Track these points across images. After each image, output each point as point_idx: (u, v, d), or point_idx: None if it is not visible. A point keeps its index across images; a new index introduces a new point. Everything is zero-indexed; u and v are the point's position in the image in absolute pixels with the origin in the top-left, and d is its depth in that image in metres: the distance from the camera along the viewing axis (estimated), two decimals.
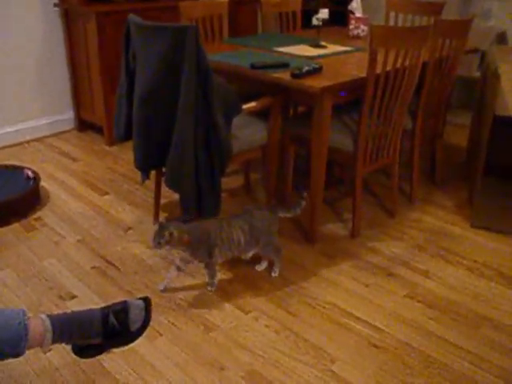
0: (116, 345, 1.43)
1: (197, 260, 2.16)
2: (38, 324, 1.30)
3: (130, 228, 2.68)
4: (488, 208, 2.80)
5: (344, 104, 2.72)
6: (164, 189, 2.68)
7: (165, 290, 2.22)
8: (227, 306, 2.14)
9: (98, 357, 1.67)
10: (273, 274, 2.32)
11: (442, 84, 2.85)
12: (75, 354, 1.44)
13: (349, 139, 2.48)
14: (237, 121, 2.37)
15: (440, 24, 2.55)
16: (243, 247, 2.19)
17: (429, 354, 1.91)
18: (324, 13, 2.97)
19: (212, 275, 2.21)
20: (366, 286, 2.27)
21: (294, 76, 2.28)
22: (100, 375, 1.81)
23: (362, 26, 3.26)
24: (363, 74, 2.33)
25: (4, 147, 3.70)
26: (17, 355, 1.26)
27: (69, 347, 1.52)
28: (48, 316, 1.34)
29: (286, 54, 2.74)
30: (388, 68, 2.29)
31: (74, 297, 2.17)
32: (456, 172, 3.39)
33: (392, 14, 3.53)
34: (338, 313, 2.11)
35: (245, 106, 2.32)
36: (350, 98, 2.46)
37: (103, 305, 1.66)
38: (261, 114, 2.64)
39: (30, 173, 3.02)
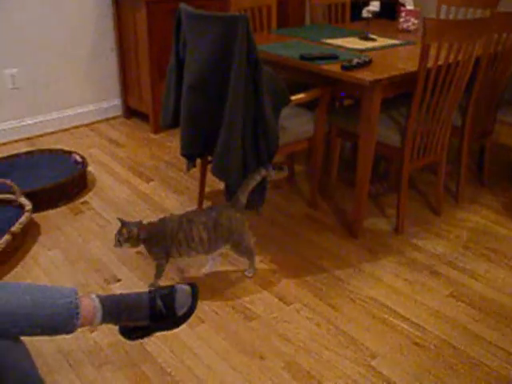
0: (162, 328, 1.45)
1: (152, 258, 2.12)
2: (89, 303, 1.33)
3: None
4: None
5: (392, 98, 2.68)
6: (209, 177, 2.71)
7: (208, 275, 2.25)
8: (269, 296, 2.15)
9: (142, 340, 1.71)
10: (246, 274, 2.27)
11: (495, 80, 2.78)
12: (122, 334, 1.47)
13: (396, 134, 2.44)
14: (284, 112, 2.37)
15: (497, 17, 2.48)
16: (207, 245, 2.09)
17: (472, 355, 1.88)
18: (375, 5, 2.93)
19: (157, 275, 2.13)
20: (409, 283, 2.25)
21: (344, 68, 2.26)
22: (142, 358, 1.84)
23: (413, 20, 3.20)
24: (414, 68, 2.29)
25: (53, 132, 3.80)
26: (68, 332, 1.30)
27: (115, 328, 1.56)
28: (98, 296, 1.37)
29: (334, 46, 2.72)
30: (440, 62, 2.25)
31: (118, 280, 2.21)
32: (504, 172, 3.30)
33: (444, 7, 3.45)
34: (380, 308, 2.09)
35: (293, 98, 2.31)
36: (399, 93, 2.42)
37: (146, 289, 1.70)
38: (307, 106, 2.63)
39: (78, 157, 3.09)
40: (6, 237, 2.32)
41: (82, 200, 2.88)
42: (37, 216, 2.69)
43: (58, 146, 3.45)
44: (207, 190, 2.86)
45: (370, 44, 2.76)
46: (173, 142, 3.65)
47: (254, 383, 1.75)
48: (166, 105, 2.45)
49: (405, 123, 2.41)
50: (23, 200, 2.62)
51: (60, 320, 1.27)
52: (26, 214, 2.50)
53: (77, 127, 3.90)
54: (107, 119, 4.05)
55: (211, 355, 1.86)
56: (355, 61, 2.30)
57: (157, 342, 1.90)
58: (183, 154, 2.38)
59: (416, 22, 3.19)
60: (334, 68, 2.30)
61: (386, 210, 2.81)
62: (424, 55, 2.19)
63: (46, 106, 3.76)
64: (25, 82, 3.60)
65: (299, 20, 4.64)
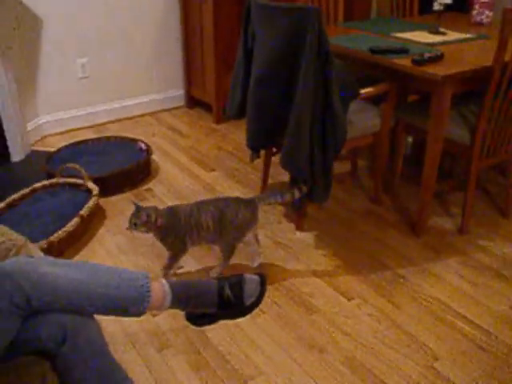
0: (229, 316, 1.47)
1: (166, 247, 2.08)
2: (160, 288, 1.36)
3: None
4: None
5: (461, 94, 2.60)
6: (271, 169, 2.71)
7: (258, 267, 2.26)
8: (331, 291, 2.14)
9: (203, 327, 1.74)
10: (211, 274, 2.19)
11: None
12: (188, 320, 1.49)
13: (466, 131, 2.37)
14: (350, 106, 2.34)
15: None
16: (212, 234, 2.07)
17: None
18: None
19: (169, 265, 2.11)
20: (474, 284, 2.18)
21: (414, 62, 2.21)
22: (204, 345, 1.87)
23: (487, 12, 3.08)
24: (488, 63, 2.21)
25: (118, 120, 3.90)
26: (138, 314, 1.34)
27: (177, 313, 1.59)
28: (168, 281, 1.40)
29: (404, 39, 2.66)
30: None
31: (180, 267, 2.25)
32: None
33: None
34: (444, 309, 2.04)
35: (362, 91, 2.28)
36: (470, 89, 2.35)
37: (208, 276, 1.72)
38: (372, 100, 2.59)
39: (143, 145, 3.16)
40: (75, 219, 2.41)
41: (145, 187, 2.95)
42: (103, 201, 2.77)
43: (124, 134, 3.53)
44: (270, 181, 2.86)
45: (440, 38, 2.68)
46: (235, 132, 3.67)
47: (313, 376, 1.75)
48: (233, 95, 2.46)
49: (475, 120, 2.34)
50: (91, 185, 2.70)
51: (132, 302, 1.30)
52: (94, 199, 2.58)
53: (141, 116, 3.99)
54: (170, 109, 4.12)
55: (271, 345, 1.87)
56: (427, 55, 2.24)
57: (218, 330, 1.92)
58: (249, 145, 2.40)
59: (490, 14, 3.07)
60: (404, 62, 2.25)
61: (451, 208, 2.74)
62: (501, 49, 2.11)
63: (113, 95, 3.86)
64: (94, 71, 3.71)
65: (364, 13, 4.56)
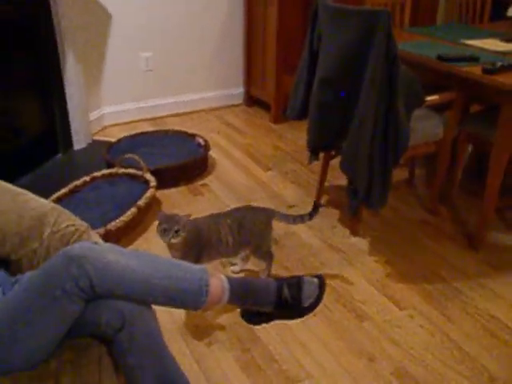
0: (284, 317, 1.47)
1: (177, 258, 1.89)
2: (219, 283, 1.37)
3: (292, 206, 2.74)
4: None
5: None
6: (328, 173, 2.69)
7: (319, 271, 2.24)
8: (383, 299, 2.10)
9: (257, 326, 1.74)
10: (261, 275, 2.16)
11: None
12: (243, 317, 1.50)
13: None
14: (415, 112, 2.29)
15: None
16: (231, 249, 2.00)
17: None
18: None
19: None
20: None
21: (485, 71, 2.14)
22: (254, 344, 1.88)
23: None
24: None
25: (177, 114, 3.96)
26: (196, 308, 1.35)
27: (229, 309, 1.59)
28: (227, 277, 1.41)
29: (474, 47, 2.58)
30: None
31: (233, 264, 2.26)
32: None
33: None
34: (501, 328, 1.97)
35: (427, 98, 2.23)
36: None
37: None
38: (435, 108, 2.53)
39: (201, 141, 3.19)
40: (132, 210, 2.45)
41: (201, 182, 2.98)
42: (158, 193, 2.81)
43: (182, 128, 3.58)
44: (326, 184, 2.84)
45: None
46: (292, 133, 3.66)
47: None
48: (295, 96, 2.46)
49: None
50: (148, 176, 2.75)
51: (191, 295, 1.31)
52: (151, 190, 2.63)
53: (199, 111, 4.03)
54: (229, 106, 4.15)
55: (320, 349, 1.86)
56: (498, 64, 2.17)
57: (268, 329, 1.92)
58: (309, 147, 2.39)
59: None
60: (474, 70, 2.19)
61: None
62: None
63: (173, 89, 3.93)
64: (157, 65, 3.78)
65: (430, 19, 4.46)
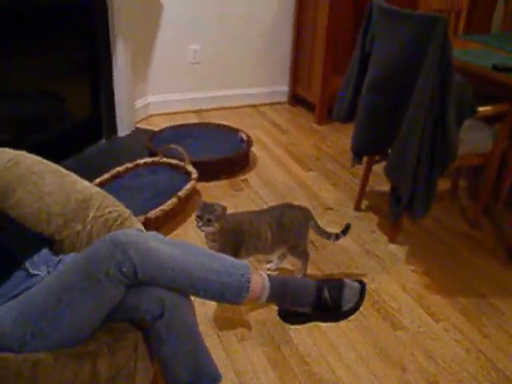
0: (322, 319, 1.45)
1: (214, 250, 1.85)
2: (259, 281, 1.37)
3: (330, 208, 2.72)
4: None
5: None
6: (370, 178, 2.66)
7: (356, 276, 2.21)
8: (418, 309, 2.07)
9: (293, 326, 1.74)
10: (296, 275, 2.16)
11: None
12: (280, 316, 1.49)
13: None
14: (464, 123, 2.24)
15: None
16: (269, 246, 2.01)
17: None
18: None
19: None
20: None
21: None
22: (284, 342, 1.87)
23: None
24: None
25: (221, 108, 3.98)
26: (235, 303, 1.35)
27: (262, 307, 1.59)
28: (268, 275, 1.41)
29: None
30: None
31: (269, 261, 2.26)
32: None
33: None
34: None
35: (479, 109, 2.18)
36: None
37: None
38: (487, 120, 2.47)
39: (244, 136, 3.20)
40: (173, 200, 2.48)
41: (242, 177, 2.99)
42: (198, 185, 2.83)
43: (224, 122, 3.59)
44: (367, 189, 2.81)
45: None
46: (336, 135, 3.64)
47: None
48: (343, 98, 2.43)
49: None
50: (190, 168, 2.77)
51: (231, 290, 1.32)
52: (192, 182, 2.65)
53: (243, 107, 4.04)
54: (273, 103, 4.15)
55: (352, 355, 1.84)
56: None
57: (300, 330, 1.92)
58: (353, 150, 2.36)
59: None
60: None
61: None
62: None
63: (219, 83, 3.95)
64: (205, 58, 3.81)
65: (484, 27, 4.36)
